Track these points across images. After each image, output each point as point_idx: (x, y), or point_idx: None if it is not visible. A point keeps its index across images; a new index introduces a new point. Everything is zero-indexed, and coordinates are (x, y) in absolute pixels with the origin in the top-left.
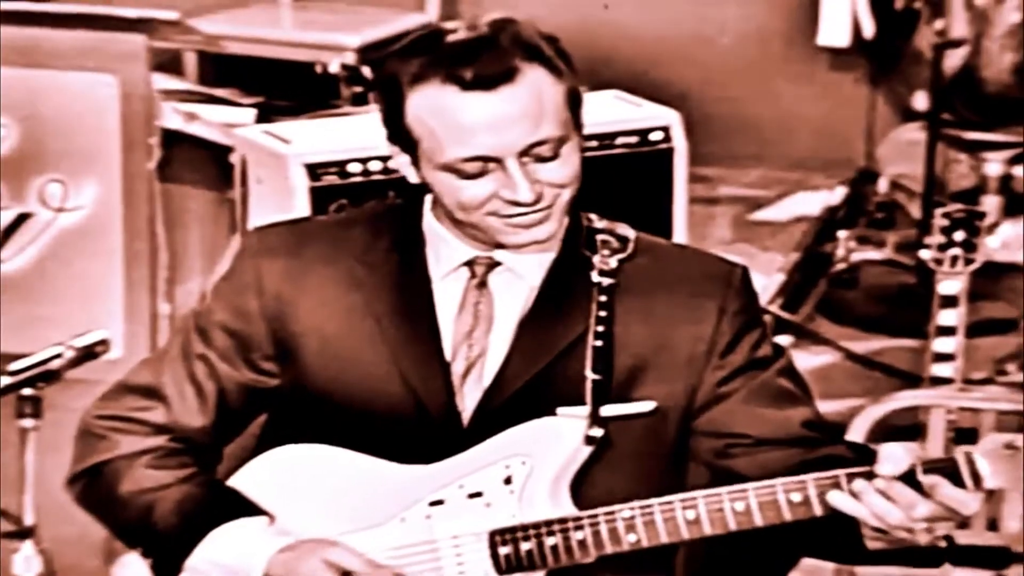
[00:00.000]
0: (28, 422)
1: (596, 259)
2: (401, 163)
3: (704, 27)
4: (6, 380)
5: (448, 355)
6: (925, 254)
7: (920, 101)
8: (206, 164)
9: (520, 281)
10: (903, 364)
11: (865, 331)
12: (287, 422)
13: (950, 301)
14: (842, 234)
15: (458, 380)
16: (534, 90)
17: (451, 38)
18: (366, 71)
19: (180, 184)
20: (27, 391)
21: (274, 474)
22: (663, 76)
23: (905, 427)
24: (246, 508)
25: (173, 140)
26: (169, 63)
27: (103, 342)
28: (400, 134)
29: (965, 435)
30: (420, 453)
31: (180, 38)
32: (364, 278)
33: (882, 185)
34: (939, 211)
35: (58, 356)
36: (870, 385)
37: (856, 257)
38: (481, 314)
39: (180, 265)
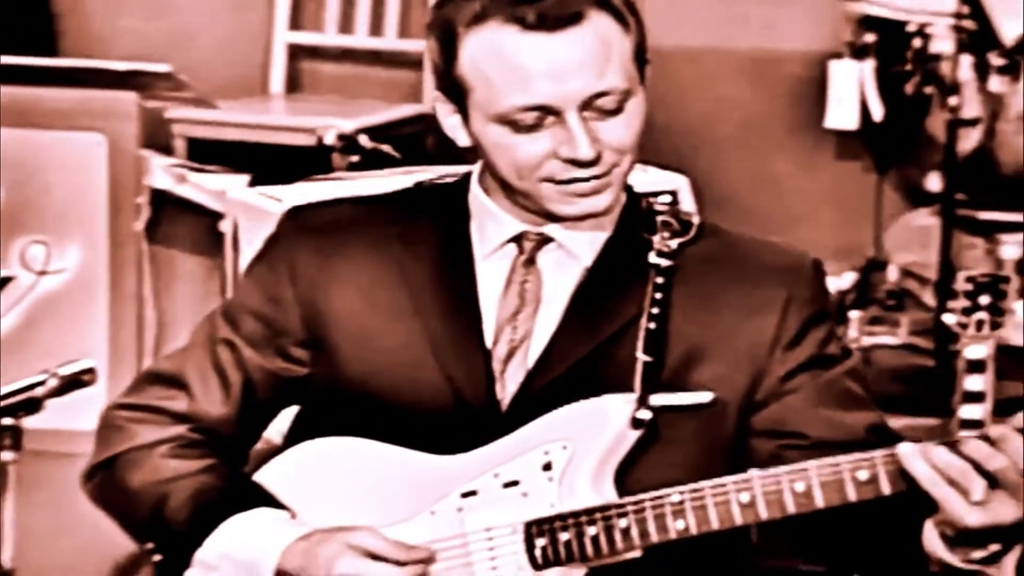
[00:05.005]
0: (7, 455)
1: (656, 240)
2: (450, 124)
3: (711, 110)
4: None
5: (489, 339)
6: (949, 319)
7: (933, 182)
8: (196, 227)
9: (572, 260)
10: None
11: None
12: (317, 414)
13: (977, 366)
14: (854, 314)
15: (499, 365)
16: (600, 36)
17: None
18: (363, 140)
19: (169, 246)
20: (6, 420)
21: (299, 469)
22: (667, 157)
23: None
24: (265, 501)
25: (162, 200)
26: (158, 146)
27: (90, 370)
28: (452, 84)
29: None
30: (456, 443)
31: (171, 95)
32: (403, 259)
33: (892, 273)
34: (962, 274)
35: (41, 384)
36: None
37: (868, 341)
38: (528, 294)
39: (168, 330)
